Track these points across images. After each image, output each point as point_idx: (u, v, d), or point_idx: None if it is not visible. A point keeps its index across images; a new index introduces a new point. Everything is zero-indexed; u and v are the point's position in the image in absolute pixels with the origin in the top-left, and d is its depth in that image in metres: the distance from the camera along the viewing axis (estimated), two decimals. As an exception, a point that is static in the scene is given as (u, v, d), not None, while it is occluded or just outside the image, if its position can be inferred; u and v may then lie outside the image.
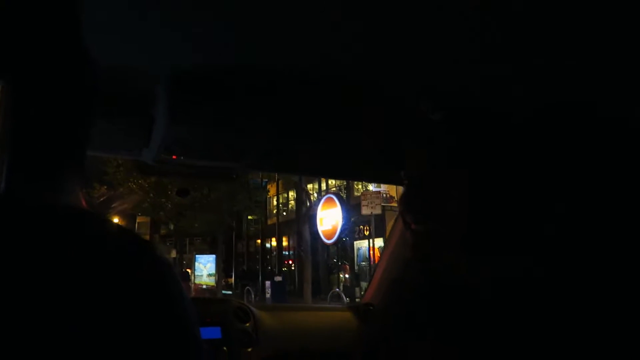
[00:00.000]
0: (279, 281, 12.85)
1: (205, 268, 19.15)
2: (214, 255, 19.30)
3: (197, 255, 20.57)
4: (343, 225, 12.15)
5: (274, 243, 21.59)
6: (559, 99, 0.68)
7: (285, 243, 19.94)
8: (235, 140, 0.97)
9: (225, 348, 1.18)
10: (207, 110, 0.83)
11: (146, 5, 0.53)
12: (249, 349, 1.20)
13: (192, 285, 18.90)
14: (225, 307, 1.26)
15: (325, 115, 0.92)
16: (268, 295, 12.43)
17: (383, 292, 1.46)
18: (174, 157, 1.00)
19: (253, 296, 14.30)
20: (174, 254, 22.29)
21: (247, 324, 1.24)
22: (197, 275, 19.41)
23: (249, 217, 21.39)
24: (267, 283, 13.05)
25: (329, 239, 12.67)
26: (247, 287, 14.48)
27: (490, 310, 0.51)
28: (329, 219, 12.71)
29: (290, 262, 19.58)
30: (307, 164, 1.26)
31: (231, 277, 21.16)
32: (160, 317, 0.33)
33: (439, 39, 0.59)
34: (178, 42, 0.63)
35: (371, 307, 1.42)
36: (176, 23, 0.57)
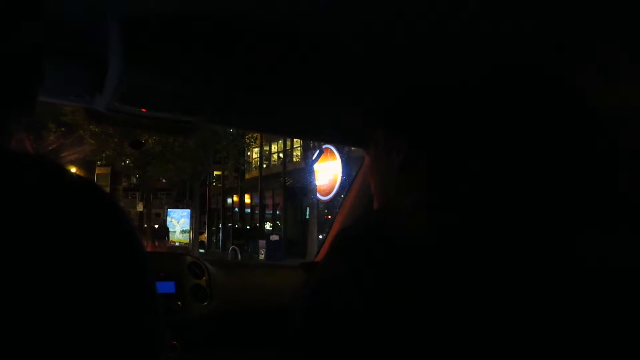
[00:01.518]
0: (275, 240, 12.59)
1: (178, 224, 19.39)
2: (188, 210, 19.50)
3: (169, 210, 20.76)
4: (343, 181, 11.53)
5: (247, 200, 21.73)
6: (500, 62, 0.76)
7: (269, 200, 20.12)
8: (193, 92, 1.02)
9: (179, 302, 1.30)
10: (164, 58, 0.87)
11: None
12: (204, 304, 1.33)
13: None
14: (180, 262, 1.37)
15: (286, 70, 0.96)
16: (262, 257, 12.21)
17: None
18: (127, 106, 1.04)
19: (239, 257, 14.09)
20: (140, 207, 22.47)
21: (202, 279, 1.36)
22: (170, 231, 19.68)
23: (224, 170, 21.39)
24: (261, 242, 12.85)
25: (325, 195, 12.11)
26: (233, 247, 14.13)
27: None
28: (326, 172, 12.22)
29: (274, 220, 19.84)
30: (266, 122, 1.32)
31: (203, 234, 21.42)
32: (116, 262, 0.38)
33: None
34: None
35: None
36: None
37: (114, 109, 1.02)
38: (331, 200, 11.93)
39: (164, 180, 19.68)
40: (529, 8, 0.68)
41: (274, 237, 12.87)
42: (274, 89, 1.05)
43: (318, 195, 12.58)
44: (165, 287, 1.32)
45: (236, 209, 22.59)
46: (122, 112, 1.06)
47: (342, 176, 11.69)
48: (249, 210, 21.69)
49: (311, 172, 12.15)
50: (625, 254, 0.54)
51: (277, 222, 19.15)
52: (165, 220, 18.27)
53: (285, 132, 1.90)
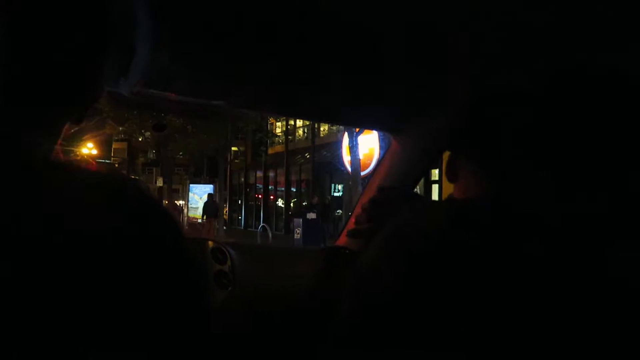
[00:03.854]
0: (313, 219, 11.58)
1: (201, 200, 19.77)
2: (211, 185, 19.85)
3: (191, 185, 21.19)
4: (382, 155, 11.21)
5: (271, 176, 21.84)
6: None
7: (294, 177, 20.25)
8: (222, 79, 1.05)
9: (202, 289, 1.37)
10: (195, 46, 0.90)
11: None
12: (227, 290, 1.39)
13: (185, 218, 19.66)
14: (202, 247, 1.43)
15: (323, 61, 0.99)
16: (297, 236, 11.42)
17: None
18: (152, 90, 1.07)
19: (270, 236, 13.37)
20: (160, 182, 23.01)
21: (225, 265, 1.42)
22: (192, 207, 20.11)
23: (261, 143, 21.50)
24: (296, 221, 11.95)
25: (363, 169, 11.49)
26: (263, 225, 13.58)
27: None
28: (362, 146, 11.77)
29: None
30: (293, 108, 1.35)
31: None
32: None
33: None
34: None
35: (347, 251, 1.59)
36: None
37: (138, 93, 1.07)
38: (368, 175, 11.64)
39: (181, 155, 20.04)
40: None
41: (311, 215, 11.70)
42: (299, 77, 1.07)
43: (348, 167, 12.20)
44: (188, 273, 1.39)
45: (259, 185, 22.86)
46: (146, 97, 1.10)
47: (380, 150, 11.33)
48: (272, 187, 21.92)
49: (356, 145, 11.49)
50: None
51: (304, 199, 19.36)
52: (212, 196, 17.68)
53: (313, 118, 1.94)
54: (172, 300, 0.41)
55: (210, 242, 1.45)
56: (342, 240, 1.75)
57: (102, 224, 0.39)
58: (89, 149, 16.10)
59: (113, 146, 23.98)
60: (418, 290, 0.55)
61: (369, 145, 11.93)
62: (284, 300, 1.45)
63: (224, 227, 18.64)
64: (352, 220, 1.73)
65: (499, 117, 0.67)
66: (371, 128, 4.28)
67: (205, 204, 16.38)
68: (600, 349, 0.52)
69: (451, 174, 0.74)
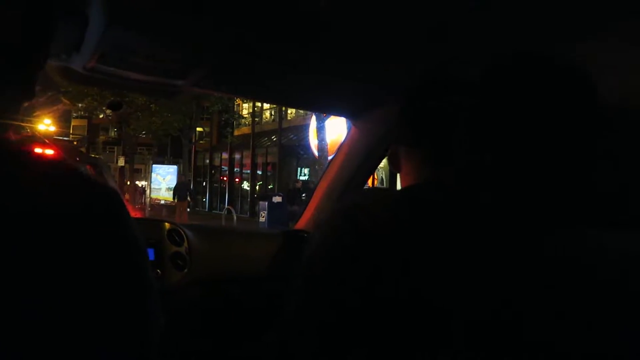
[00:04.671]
0: (278, 202, 11.64)
1: (164, 180, 19.43)
2: (175, 166, 19.52)
3: (154, 165, 20.75)
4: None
5: (237, 158, 21.65)
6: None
7: (261, 159, 20.13)
8: (178, 56, 1.01)
9: (158, 271, 1.36)
10: (149, 18, 0.86)
11: None
12: (183, 271, 1.39)
13: (148, 200, 19.30)
14: (159, 229, 1.43)
15: (277, 38, 0.96)
16: (262, 219, 11.48)
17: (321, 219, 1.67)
18: (106, 67, 1.01)
19: (235, 219, 13.62)
20: (122, 162, 22.48)
21: (181, 247, 1.42)
22: (154, 188, 19.76)
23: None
24: (262, 204, 11.97)
25: (331, 154, 11.46)
26: (228, 207, 13.82)
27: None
28: (330, 130, 11.81)
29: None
30: (254, 89, 1.34)
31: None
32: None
33: None
34: None
35: (305, 235, 1.62)
36: None
37: (92, 69, 1.02)
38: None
39: (144, 135, 19.60)
40: None
41: (277, 199, 11.79)
42: (264, 55, 1.05)
43: (315, 152, 12.33)
44: (145, 253, 1.38)
45: (224, 168, 22.63)
46: (101, 73, 1.06)
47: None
48: (237, 169, 21.75)
49: (323, 129, 11.59)
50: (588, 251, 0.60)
51: (270, 183, 19.28)
52: (186, 177, 17.39)
53: (274, 101, 1.92)
54: (110, 274, 0.43)
55: (167, 224, 1.45)
56: (302, 223, 1.77)
57: (46, 206, 0.41)
58: (46, 125, 15.51)
59: (72, 123, 23.22)
60: (364, 266, 0.57)
61: (336, 130, 11.92)
62: (240, 282, 1.48)
63: (188, 210, 18.45)
64: (312, 204, 1.76)
65: (437, 107, 0.70)
66: (331, 113, 4.29)
67: (177, 185, 16.09)
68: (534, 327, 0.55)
69: (394, 164, 0.77)
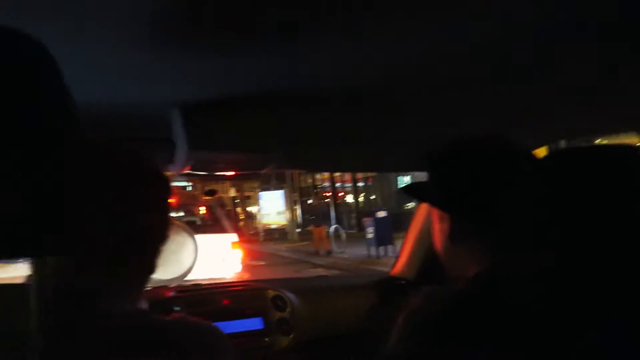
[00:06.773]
0: (383, 217, 11.46)
1: (272, 206, 20.42)
2: (281, 191, 20.34)
3: (260, 193, 21.81)
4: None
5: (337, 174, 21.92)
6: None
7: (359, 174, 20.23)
8: (257, 155, 1.18)
9: (266, 339, 1.46)
10: (225, 136, 1.03)
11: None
12: (289, 336, 1.48)
13: (260, 225, 20.29)
14: (263, 297, 1.52)
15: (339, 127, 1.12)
16: (370, 235, 11.39)
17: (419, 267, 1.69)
18: (198, 172, 1.23)
19: (344, 236, 13.43)
20: (233, 192, 23.88)
21: (285, 312, 1.50)
22: (264, 214, 20.73)
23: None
24: (367, 221, 11.64)
25: None
26: (336, 226, 13.67)
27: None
28: None
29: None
30: (325, 164, 1.45)
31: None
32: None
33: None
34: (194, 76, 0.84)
35: (403, 282, 1.64)
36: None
37: (189, 174, 1.22)
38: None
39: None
40: None
41: (381, 214, 11.53)
42: (326, 140, 1.17)
43: None
44: (254, 323, 1.47)
45: (326, 184, 23.04)
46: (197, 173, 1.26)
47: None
48: (339, 184, 22.03)
49: None
50: None
51: (371, 194, 19.25)
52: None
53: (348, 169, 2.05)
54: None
55: (270, 291, 1.54)
56: (398, 269, 1.79)
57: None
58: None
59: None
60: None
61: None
62: (343, 340, 1.53)
63: (298, 230, 19.07)
64: (406, 249, 1.77)
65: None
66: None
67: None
68: None
69: (456, 239, 0.80)
